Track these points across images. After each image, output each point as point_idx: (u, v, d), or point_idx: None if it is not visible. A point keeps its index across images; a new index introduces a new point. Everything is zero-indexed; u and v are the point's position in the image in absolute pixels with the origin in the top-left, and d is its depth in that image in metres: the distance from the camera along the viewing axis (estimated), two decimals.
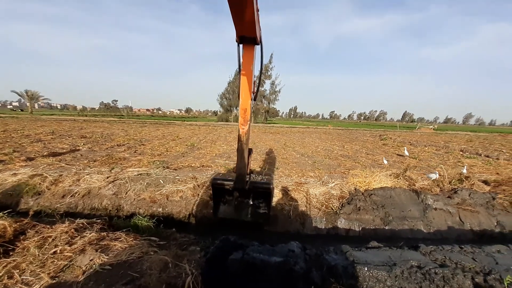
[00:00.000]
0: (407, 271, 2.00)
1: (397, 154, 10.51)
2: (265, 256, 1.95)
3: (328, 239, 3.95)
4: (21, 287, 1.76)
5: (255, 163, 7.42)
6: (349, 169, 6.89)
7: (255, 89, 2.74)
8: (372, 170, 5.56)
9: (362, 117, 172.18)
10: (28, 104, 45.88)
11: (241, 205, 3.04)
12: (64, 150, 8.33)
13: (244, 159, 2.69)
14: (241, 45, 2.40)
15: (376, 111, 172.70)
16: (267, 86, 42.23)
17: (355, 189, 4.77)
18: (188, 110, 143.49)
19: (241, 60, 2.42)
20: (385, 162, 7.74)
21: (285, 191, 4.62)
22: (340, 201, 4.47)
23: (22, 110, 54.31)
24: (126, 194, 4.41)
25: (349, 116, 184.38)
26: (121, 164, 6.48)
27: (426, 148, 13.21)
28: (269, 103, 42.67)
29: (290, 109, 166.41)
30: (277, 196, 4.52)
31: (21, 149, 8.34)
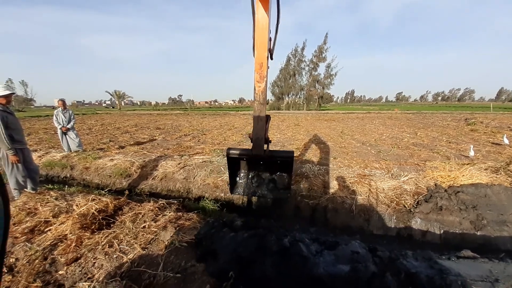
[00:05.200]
0: None
1: (492, 143, 8.40)
2: (328, 266, 1.84)
3: (399, 240, 3.53)
4: (119, 255, 2.16)
5: (310, 152, 7.16)
6: (425, 161, 5.89)
7: (272, 45, 2.39)
8: (459, 162, 4.59)
9: (440, 98, 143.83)
10: (117, 102, 56.06)
11: (259, 178, 2.72)
12: (145, 140, 9.86)
13: (262, 122, 2.37)
14: None
15: (459, 89, 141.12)
16: (321, 69, 39.61)
17: (435, 184, 4.05)
18: (241, 100, 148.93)
19: (255, 5, 2.10)
20: (472, 153, 6.10)
21: (346, 182, 4.30)
22: (415, 198, 3.88)
23: (113, 107, 66.88)
24: (194, 179, 4.92)
25: (421, 97, 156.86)
26: (188, 152, 7.26)
27: None
28: (323, 88, 40.02)
29: (346, 93, 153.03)
30: (336, 187, 4.26)
31: (114, 139, 10.28)
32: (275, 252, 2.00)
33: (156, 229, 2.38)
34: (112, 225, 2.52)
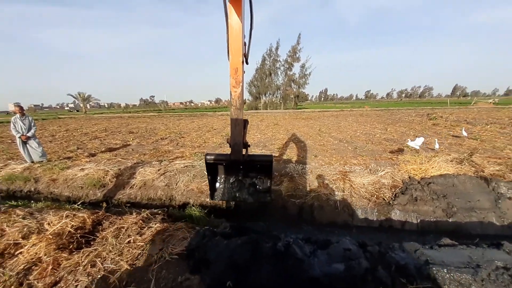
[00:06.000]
0: (493, 274, 1.75)
1: (453, 136, 9.30)
2: (324, 266, 1.87)
3: (381, 231, 3.73)
4: (104, 274, 1.99)
5: (292, 152, 7.29)
6: (397, 155, 6.32)
7: (246, 50, 2.39)
8: (427, 155, 5.00)
9: (404, 95, 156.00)
10: (81, 105, 51.93)
11: (239, 183, 2.73)
12: (118, 146, 9.24)
13: (239, 127, 2.38)
14: None
15: (419, 87, 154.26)
16: (296, 69, 40.56)
17: (409, 177, 4.36)
18: (217, 101, 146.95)
19: (228, 10, 2.07)
20: (437, 146, 6.49)
21: (329, 180, 4.44)
22: (393, 190, 4.14)
23: (77, 111, 61.81)
24: (176, 185, 4.73)
25: (387, 94, 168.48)
26: (167, 157, 6.95)
27: (488, 126, 11.41)
28: (299, 87, 41.08)
29: (320, 92, 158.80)
30: (321, 186, 4.38)
31: (83, 146, 9.49)
32: (270, 256, 1.98)
33: (143, 243, 2.23)
34: (92, 243, 2.30)
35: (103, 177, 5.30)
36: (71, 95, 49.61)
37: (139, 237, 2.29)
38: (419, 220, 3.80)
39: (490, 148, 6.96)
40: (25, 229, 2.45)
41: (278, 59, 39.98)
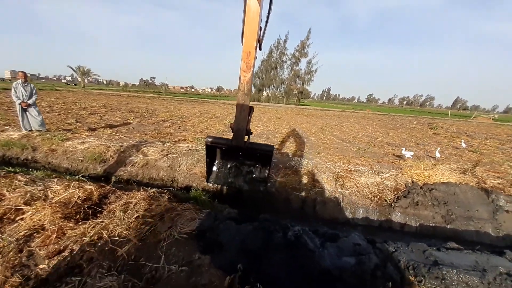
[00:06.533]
0: (499, 278, 1.79)
1: (453, 146, 9.39)
2: (335, 259, 1.87)
3: (380, 231, 3.78)
4: (111, 247, 1.96)
5: (295, 146, 7.27)
6: (399, 160, 6.37)
7: (261, 35, 2.33)
8: (433, 163, 5.04)
9: (405, 102, 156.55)
10: (79, 79, 50.74)
11: (237, 169, 2.71)
12: (118, 123, 9.09)
13: (245, 112, 2.32)
14: None
15: (421, 95, 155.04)
16: (302, 65, 40.13)
17: (412, 181, 4.39)
18: (219, 89, 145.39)
19: None
20: (438, 155, 6.64)
21: (333, 177, 4.45)
22: (395, 193, 4.17)
23: (75, 85, 60.45)
24: (179, 167, 4.68)
25: (389, 100, 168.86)
26: (169, 139, 6.87)
27: (488, 141, 11.55)
28: (303, 83, 40.77)
29: (323, 91, 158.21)
30: (324, 181, 4.39)
31: (82, 120, 9.31)
32: (281, 244, 1.98)
33: (152, 220, 2.20)
34: (99, 215, 2.26)
35: (104, 152, 5.21)
36: (71, 67, 48.30)
37: (148, 214, 2.26)
38: (418, 224, 3.86)
39: (489, 162, 7.06)
40: (27, 195, 2.39)
41: (285, 53, 39.44)
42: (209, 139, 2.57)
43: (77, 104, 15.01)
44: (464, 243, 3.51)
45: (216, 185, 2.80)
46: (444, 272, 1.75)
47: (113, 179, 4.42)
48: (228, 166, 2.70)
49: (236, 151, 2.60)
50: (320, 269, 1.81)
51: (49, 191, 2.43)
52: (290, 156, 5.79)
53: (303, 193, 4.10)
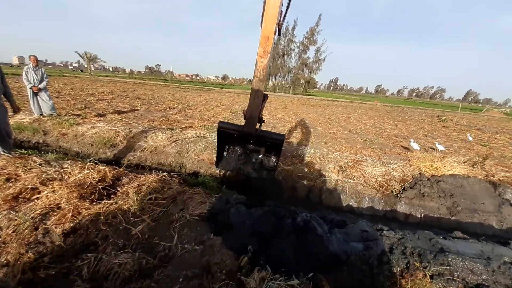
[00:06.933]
0: (504, 267, 1.82)
1: (462, 140, 9.22)
2: (343, 244, 1.92)
3: (385, 221, 3.82)
4: (126, 226, 2.04)
5: (302, 135, 7.25)
6: (407, 151, 6.30)
7: (281, 19, 2.26)
8: (441, 155, 4.98)
9: (414, 94, 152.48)
10: (86, 65, 50.82)
11: (247, 156, 2.71)
12: (126, 110, 9.17)
13: (258, 99, 2.30)
14: None
15: (432, 87, 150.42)
16: (311, 53, 39.11)
17: (419, 173, 4.38)
18: (225, 77, 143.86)
19: None
20: (440, 148, 6.25)
21: (340, 166, 4.46)
22: (402, 184, 4.17)
23: (81, 71, 60.59)
24: (187, 153, 4.75)
25: (398, 91, 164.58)
26: (176, 126, 6.93)
27: (498, 135, 11.28)
28: (311, 72, 39.88)
29: (330, 81, 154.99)
30: (331, 170, 4.41)
31: (90, 105, 9.41)
32: (291, 228, 2.03)
33: (165, 201, 2.27)
34: (112, 196, 2.35)
35: (114, 137, 5.31)
36: (78, 53, 48.33)
37: (160, 196, 2.34)
38: (423, 215, 3.88)
39: (498, 156, 6.93)
40: (43, 175, 2.48)
41: (293, 40, 38.41)
42: (222, 125, 2.57)
43: (84, 90, 15.12)
44: (467, 235, 3.55)
45: (224, 170, 2.80)
46: (449, 259, 1.78)
47: (124, 163, 4.52)
48: (238, 152, 2.71)
49: (247, 138, 2.60)
50: (327, 254, 1.86)
51: (63, 172, 2.51)
52: (297, 145, 5.79)
53: (309, 182, 4.13)
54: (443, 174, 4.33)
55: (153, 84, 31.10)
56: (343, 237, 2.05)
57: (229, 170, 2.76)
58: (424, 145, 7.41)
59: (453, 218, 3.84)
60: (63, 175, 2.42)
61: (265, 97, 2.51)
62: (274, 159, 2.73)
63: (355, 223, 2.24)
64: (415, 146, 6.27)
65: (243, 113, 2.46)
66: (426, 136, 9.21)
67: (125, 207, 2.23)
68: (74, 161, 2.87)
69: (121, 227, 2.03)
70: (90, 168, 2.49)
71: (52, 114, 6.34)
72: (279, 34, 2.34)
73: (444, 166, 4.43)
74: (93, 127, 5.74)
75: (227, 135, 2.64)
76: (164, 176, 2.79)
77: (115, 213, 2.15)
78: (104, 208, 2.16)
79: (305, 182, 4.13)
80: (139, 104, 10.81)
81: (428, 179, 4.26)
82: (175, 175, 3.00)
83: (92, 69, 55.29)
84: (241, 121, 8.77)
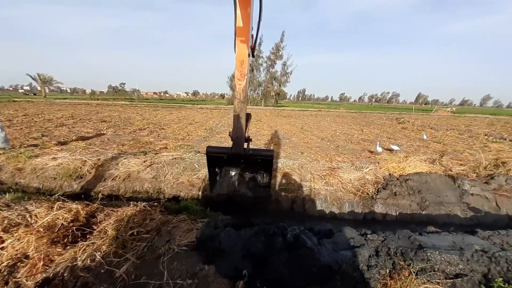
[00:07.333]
0: (476, 255, 2.03)
1: (420, 139, 10.26)
2: (333, 253, 1.99)
3: (366, 223, 4.02)
4: (108, 268, 1.87)
5: (279, 147, 7.43)
6: (375, 154, 6.81)
7: (253, 43, 2.34)
8: (406, 156, 5.48)
9: (374, 99, 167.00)
10: (39, 87, 46.61)
11: (239, 177, 2.74)
12: (91, 135, 8.54)
13: (242, 120, 2.35)
14: None
15: (388, 92, 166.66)
16: (278, 67, 41.03)
17: (389, 174, 4.75)
18: (195, 93, 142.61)
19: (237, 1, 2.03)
20: (394, 148, 7.11)
21: (319, 175, 4.65)
22: (375, 186, 4.48)
23: (34, 94, 55.33)
24: (165, 177, 4.55)
25: (359, 98, 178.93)
26: (149, 148, 6.62)
27: (448, 132, 12.81)
28: (280, 85, 41.66)
29: (298, 92, 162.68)
30: (311, 180, 4.56)
31: (48, 133, 8.59)
32: (282, 246, 2.05)
33: (148, 235, 2.13)
34: (89, 236, 2.14)
35: (80, 167, 4.88)
36: (30, 76, 44.13)
37: (143, 229, 2.19)
38: (398, 213, 4.18)
39: (451, 151, 7.84)
40: (5, 221, 2.18)
41: (260, 55, 40.01)
42: (210, 149, 2.57)
43: (40, 116, 13.80)
44: (438, 226, 3.89)
45: (219, 194, 2.78)
46: (428, 254, 1.95)
47: (95, 196, 4.16)
48: (231, 174, 2.71)
49: (237, 159, 2.61)
50: (320, 266, 1.90)
51: (29, 216, 2.24)
52: (276, 158, 5.91)
53: (292, 193, 4.22)
54: (409, 173, 4.75)
55: (119, 104, 29.59)
56: (332, 246, 2.12)
57: (225, 193, 2.74)
58: (389, 147, 8.08)
59: (423, 212, 4.20)
60: (29, 219, 2.14)
61: (249, 116, 2.58)
62: (267, 176, 2.75)
63: (341, 231, 2.34)
64: (379, 149, 6.84)
65: (229, 135, 2.48)
66: (389, 138, 10.07)
67: (104, 247, 2.04)
68: (39, 201, 2.56)
69: (102, 271, 1.85)
70: (59, 208, 2.25)
71: (4, 147, 5.65)
72: (253, 56, 2.44)
73: (409, 166, 4.87)
74: (54, 158, 5.23)
75: (216, 159, 2.65)
76: (144, 206, 2.63)
77: (94, 255, 1.96)
78: (80, 251, 1.96)
79: (287, 194, 4.21)
80: (105, 128, 10.16)
81: (397, 179, 4.64)
82: (156, 203, 2.85)
83: (47, 91, 50.81)
84: (217, 138, 8.70)
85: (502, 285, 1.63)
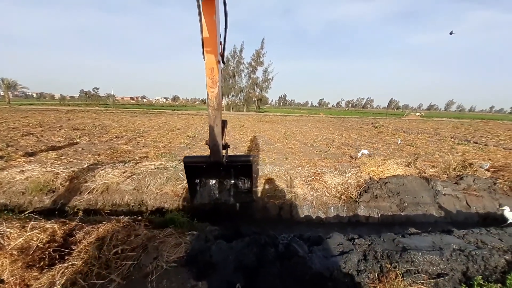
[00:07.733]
0: (454, 254, 2.18)
1: (395, 143, 10.89)
2: (324, 260, 2.03)
3: (351, 226, 4.16)
4: None
5: (263, 154, 7.47)
6: (355, 158, 7.11)
7: (222, 50, 2.35)
8: (383, 159, 5.78)
9: (350, 105, 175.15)
10: (2, 93, 42.82)
11: (220, 185, 2.72)
12: (62, 144, 7.96)
13: (218, 127, 2.34)
14: None
15: (363, 98, 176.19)
16: (259, 73, 41.65)
17: (370, 177, 4.97)
18: (175, 98, 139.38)
19: (202, 9, 2.01)
20: (365, 152, 7.37)
21: (304, 181, 4.74)
22: (358, 190, 4.66)
23: None
24: (147, 189, 4.36)
25: (337, 103, 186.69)
26: (128, 157, 6.32)
27: (419, 135, 13.76)
28: (261, 91, 42.25)
29: (279, 97, 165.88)
30: (297, 186, 4.63)
31: (14, 143, 7.88)
32: (274, 256, 2.05)
33: (134, 253, 2.02)
34: (67, 257, 1.97)
35: (52, 180, 4.52)
36: None
37: (128, 246, 2.06)
38: (379, 215, 4.37)
39: (423, 153, 8.41)
40: None
41: (242, 62, 40.40)
42: (187, 159, 2.52)
43: (3, 124, 12.61)
44: (416, 226, 4.13)
45: (202, 203, 2.73)
46: (412, 256, 2.06)
47: (70, 211, 3.86)
48: (211, 183, 2.68)
49: (216, 167, 2.58)
50: (312, 274, 1.93)
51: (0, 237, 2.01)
52: (261, 165, 5.93)
53: (279, 200, 4.25)
54: (388, 176, 5.01)
55: (92, 110, 28.04)
56: (322, 253, 2.16)
57: (207, 202, 2.70)
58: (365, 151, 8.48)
59: (403, 213, 4.44)
60: (1, 241, 1.92)
61: (225, 123, 2.58)
62: (248, 181, 2.75)
63: (330, 237, 2.39)
64: (359, 153, 7.18)
65: (206, 143, 2.46)
66: (367, 142, 10.58)
67: (85, 268, 1.89)
68: (9, 220, 2.31)
69: None
70: (32, 228, 2.05)
71: None
72: (223, 63, 2.43)
73: (387, 169, 5.15)
74: (22, 170, 4.80)
75: (195, 169, 2.61)
76: (128, 221, 2.49)
77: (74, 278, 1.81)
78: (59, 274, 1.80)
79: (274, 201, 4.23)
80: (78, 136, 9.54)
81: (377, 182, 4.87)
82: (139, 217, 2.72)
83: (11, 97, 46.70)
84: (201, 145, 8.54)
85: (482, 282, 1.76)
